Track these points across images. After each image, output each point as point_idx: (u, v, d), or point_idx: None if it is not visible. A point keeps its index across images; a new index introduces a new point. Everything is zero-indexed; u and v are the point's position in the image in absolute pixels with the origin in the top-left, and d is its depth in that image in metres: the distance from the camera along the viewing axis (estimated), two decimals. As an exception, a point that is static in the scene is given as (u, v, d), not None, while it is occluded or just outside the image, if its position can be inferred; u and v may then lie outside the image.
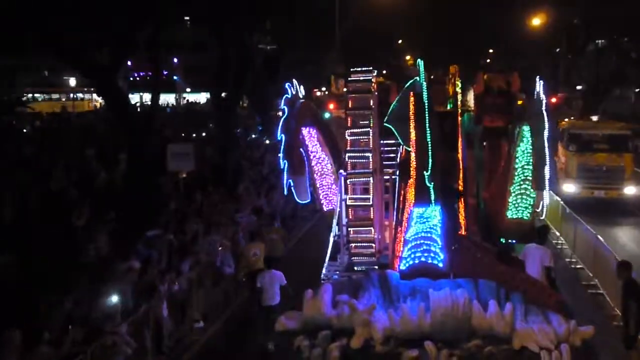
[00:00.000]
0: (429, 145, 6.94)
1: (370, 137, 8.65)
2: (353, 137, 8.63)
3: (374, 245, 8.53)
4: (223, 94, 26.89)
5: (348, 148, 8.64)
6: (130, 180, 19.73)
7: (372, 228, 8.53)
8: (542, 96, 9.06)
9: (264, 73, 34.75)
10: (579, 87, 63.61)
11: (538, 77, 9.54)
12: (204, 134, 35.05)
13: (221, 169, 23.93)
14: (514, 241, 10.28)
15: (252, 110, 42.94)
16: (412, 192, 7.20)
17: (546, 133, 8.63)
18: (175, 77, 64.14)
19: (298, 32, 34.80)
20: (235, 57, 25.61)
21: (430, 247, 7.22)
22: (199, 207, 17.69)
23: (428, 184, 6.85)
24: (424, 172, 6.87)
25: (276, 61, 36.56)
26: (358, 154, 8.58)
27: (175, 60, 61.36)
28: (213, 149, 26.76)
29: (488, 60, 68.13)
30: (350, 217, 8.53)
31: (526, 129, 8.92)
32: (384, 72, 25.82)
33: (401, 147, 12.61)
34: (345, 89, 9.49)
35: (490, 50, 68.20)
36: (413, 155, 7.24)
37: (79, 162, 22.38)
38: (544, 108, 8.70)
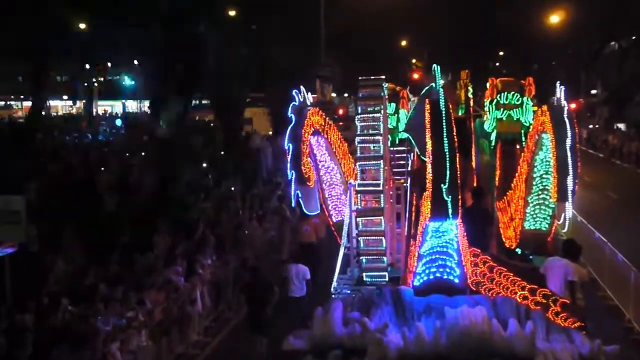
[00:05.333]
0: (447, 156, 6.57)
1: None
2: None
3: (385, 258, 8.21)
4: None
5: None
6: None
7: (382, 238, 8.21)
8: (564, 102, 8.67)
9: (229, 77, 28.54)
10: (593, 92, 62.14)
11: (558, 82, 9.15)
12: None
13: (151, 206, 16.75)
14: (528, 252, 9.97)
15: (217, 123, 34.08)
16: (428, 205, 6.83)
17: (569, 142, 8.22)
18: (131, 83, 56.48)
19: (273, 27, 28.72)
20: (181, 55, 21.01)
21: (446, 262, 6.90)
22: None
23: (446, 198, 6.49)
24: (441, 185, 6.51)
25: (247, 63, 30.04)
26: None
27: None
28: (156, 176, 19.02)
29: (497, 64, 67.18)
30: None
31: (546, 137, 8.55)
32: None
33: (411, 155, 12.33)
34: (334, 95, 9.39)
35: (501, 53, 67.17)
36: (429, 166, 6.88)
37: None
38: (565, 115, 8.31)
